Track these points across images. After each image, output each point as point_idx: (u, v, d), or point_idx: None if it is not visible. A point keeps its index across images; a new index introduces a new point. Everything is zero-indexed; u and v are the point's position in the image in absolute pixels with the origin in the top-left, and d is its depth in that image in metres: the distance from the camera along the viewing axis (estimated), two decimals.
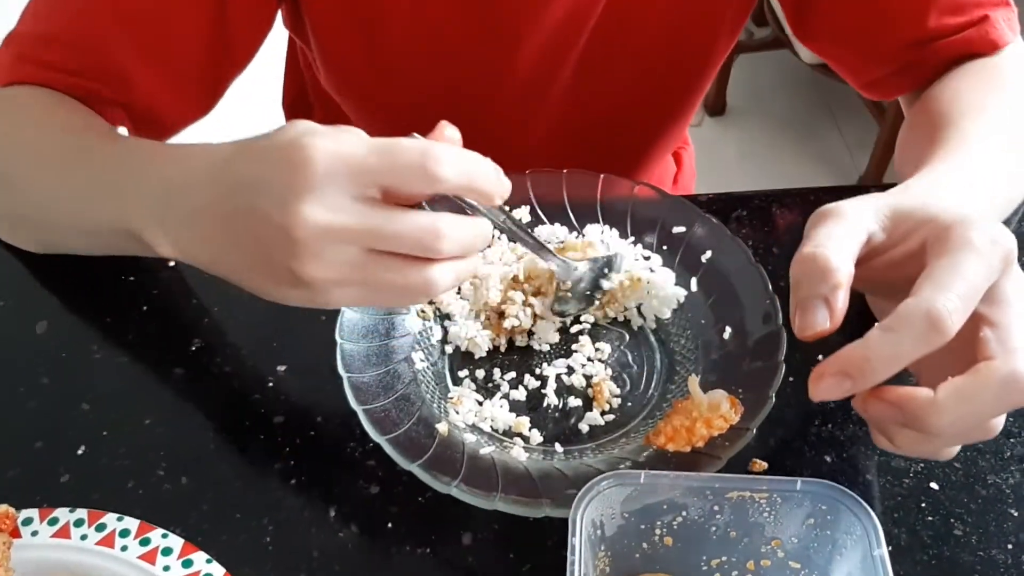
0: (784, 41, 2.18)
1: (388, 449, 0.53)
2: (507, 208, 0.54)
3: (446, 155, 0.45)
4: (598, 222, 0.66)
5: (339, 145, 0.45)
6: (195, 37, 0.68)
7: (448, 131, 0.50)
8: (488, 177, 0.48)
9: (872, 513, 0.45)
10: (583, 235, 0.66)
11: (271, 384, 0.61)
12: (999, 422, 0.45)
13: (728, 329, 0.60)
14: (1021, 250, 0.45)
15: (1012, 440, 0.58)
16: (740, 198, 0.73)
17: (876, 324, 0.42)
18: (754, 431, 0.53)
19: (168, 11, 0.67)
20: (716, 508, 0.48)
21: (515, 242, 0.62)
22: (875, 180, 2.15)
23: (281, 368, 0.62)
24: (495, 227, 0.52)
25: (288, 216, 0.44)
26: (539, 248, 0.58)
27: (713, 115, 2.40)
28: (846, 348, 0.43)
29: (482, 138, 0.80)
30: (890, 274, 0.47)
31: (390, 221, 0.45)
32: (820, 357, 0.60)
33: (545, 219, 0.67)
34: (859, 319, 0.49)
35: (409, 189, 0.46)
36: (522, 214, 0.67)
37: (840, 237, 0.46)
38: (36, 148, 0.64)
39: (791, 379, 0.58)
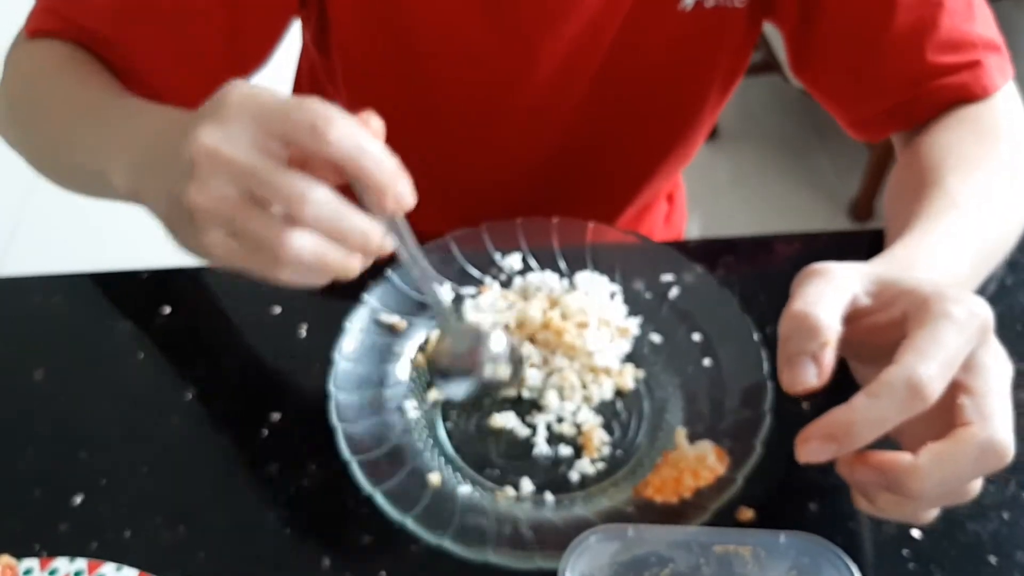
0: (774, 65, 2.21)
1: (381, 501, 0.54)
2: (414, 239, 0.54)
3: (341, 125, 0.46)
4: (587, 268, 0.68)
5: (256, 91, 0.47)
6: (211, 37, 0.72)
7: (373, 121, 0.50)
8: (379, 165, 0.47)
9: (852, 566, 0.47)
10: (573, 284, 0.67)
11: (265, 433, 0.62)
12: (976, 486, 0.46)
13: (714, 378, 0.62)
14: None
15: (991, 487, 0.59)
16: (727, 243, 0.75)
17: (861, 390, 0.44)
18: (740, 481, 0.54)
19: (184, 12, 0.71)
20: (703, 561, 0.49)
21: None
22: (865, 204, 2.18)
23: (275, 416, 0.63)
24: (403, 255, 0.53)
25: (188, 137, 0.47)
26: (423, 279, 0.56)
27: (705, 138, 2.42)
28: (832, 412, 0.44)
29: (493, 150, 0.81)
30: (872, 339, 0.48)
31: (271, 169, 0.46)
32: (805, 406, 0.62)
33: (536, 266, 0.68)
34: (843, 375, 0.50)
35: (299, 142, 0.46)
36: (514, 262, 0.68)
37: (829, 296, 0.47)
38: (50, 99, 0.70)
39: (778, 428, 0.59)
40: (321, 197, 0.46)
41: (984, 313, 0.45)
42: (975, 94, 0.72)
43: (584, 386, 0.63)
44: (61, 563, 0.53)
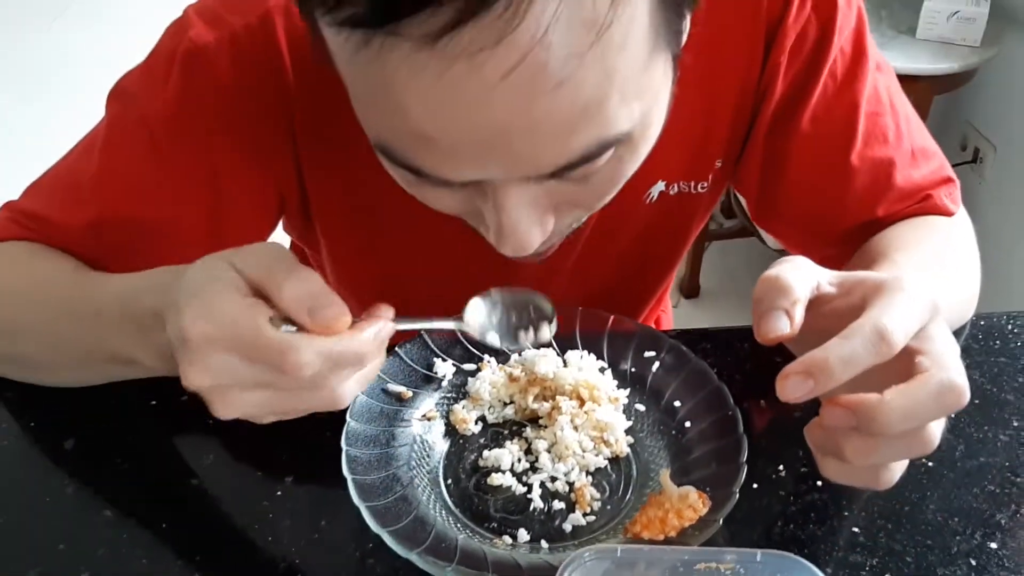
0: (751, 230, 2.35)
1: (388, 540, 0.58)
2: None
3: (292, 283, 0.49)
4: (577, 349, 0.74)
5: (213, 328, 0.48)
6: (193, 241, 0.72)
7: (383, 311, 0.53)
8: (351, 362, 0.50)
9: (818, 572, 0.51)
10: (566, 362, 0.73)
11: (279, 493, 0.67)
12: (935, 435, 0.51)
13: (695, 439, 0.67)
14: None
15: (958, 538, 0.64)
16: (704, 333, 0.81)
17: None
18: (720, 522, 0.59)
19: (157, 222, 0.72)
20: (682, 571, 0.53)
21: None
22: None
23: (288, 479, 0.68)
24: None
25: (180, 319, 0.48)
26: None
27: (688, 297, 2.53)
28: (808, 353, 0.49)
29: None
30: (832, 324, 0.52)
31: (256, 332, 0.48)
32: (781, 469, 0.67)
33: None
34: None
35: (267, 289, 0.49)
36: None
37: (798, 270, 0.53)
38: (25, 300, 0.71)
39: (754, 485, 0.65)
40: (309, 358, 0.48)
41: (934, 297, 0.52)
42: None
43: (583, 453, 0.68)
44: None
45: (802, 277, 0.53)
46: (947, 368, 0.50)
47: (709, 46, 0.69)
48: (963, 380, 0.50)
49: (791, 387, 0.49)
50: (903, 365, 0.50)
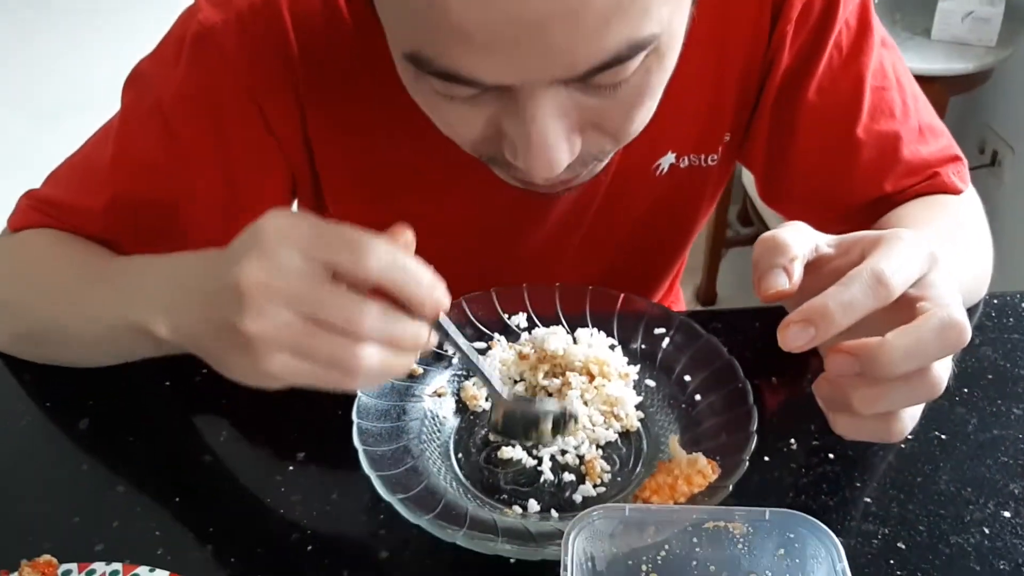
0: None
1: (399, 507, 0.58)
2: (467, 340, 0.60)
3: (378, 247, 0.50)
4: (588, 327, 0.74)
5: (293, 219, 0.51)
6: (203, 223, 0.75)
7: (405, 235, 0.53)
8: (419, 282, 0.51)
9: (832, 534, 0.51)
10: (576, 339, 0.73)
11: (291, 468, 0.67)
12: (942, 377, 0.51)
13: (705, 411, 0.67)
14: None
15: (971, 507, 0.63)
16: (714, 314, 0.81)
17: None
18: (731, 488, 0.59)
19: (171, 202, 0.75)
20: (695, 540, 0.53)
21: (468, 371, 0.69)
22: None
23: (300, 455, 0.68)
24: (451, 347, 0.58)
25: (236, 272, 0.49)
26: (480, 374, 0.62)
27: (705, 304, 2.52)
28: (808, 302, 0.50)
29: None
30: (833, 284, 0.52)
31: (324, 293, 0.49)
32: (792, 442, 0.67)
33: (539, 323, 0.75)
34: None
35: (341, 266, 0.50)
36: (519, 319, 0.75)
37: (795, 231, 0.54)
38: (44, 276, 0.73)
39: (765, 458, 0.66)
40: (375, 311, 0.50)
41: (932, 247, 0.52)
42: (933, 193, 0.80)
43: (593, 427, 0.68)
44: (98, 566, 0.57)
45: (799, 237, 0.54)
46: (947, 306, 0.50)
47: (717, 17, 0.71)
48: (964, 317, 0.51)
49: (792, 335, 0.49)
50: (906, 314, 0.50)
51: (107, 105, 0.77)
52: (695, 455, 0.60)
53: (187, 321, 0.56)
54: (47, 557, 0.57)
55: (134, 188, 0.73)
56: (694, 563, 0.53)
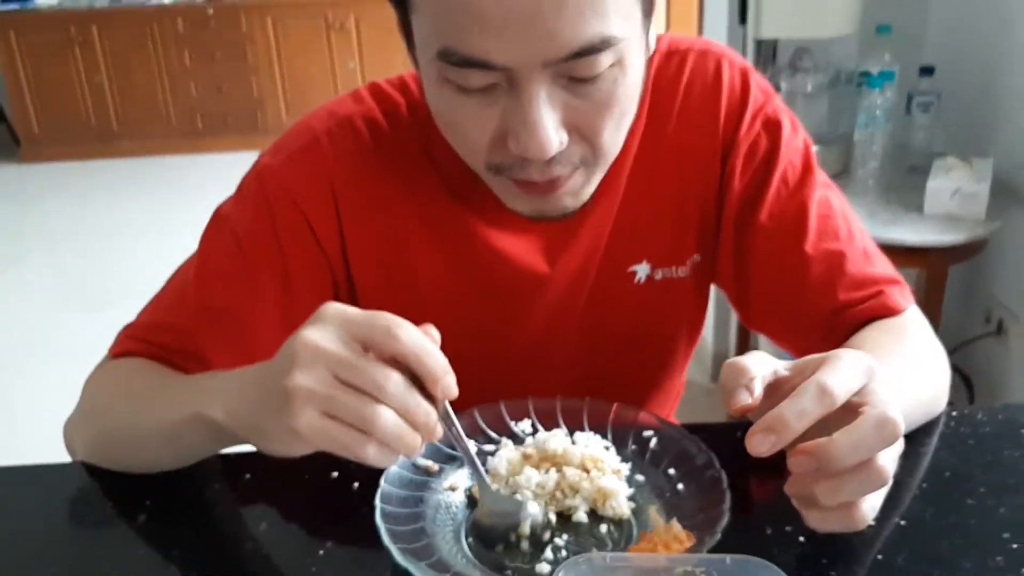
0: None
1: (413, 568, 0.67)
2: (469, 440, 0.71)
3: (408, 330, 0.62)
4: (584, 431, 0.84)
5: (345, 307, 0.64)
6: (267, 324, 0.90)
7: (433, 331, 0.65)
8: (435, 362, 0.62)
9: (784, 574, 0.59)
10: (574, 441, 0.83)
11: (321, 553, 0.76)
12: (887, 468, 0.61)
13: (685, 497, 0.76)
14: None
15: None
16: (697, 427, 0.91)
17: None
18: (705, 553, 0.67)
19: (243, 307, 0.90)
20: None
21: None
22: None
23: (329, 543, 0.77)
24: (452, 439, 0.69)
25: (298, 337, 0.62)
26: (474, 471, 0.73)
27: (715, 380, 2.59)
28: (768, 413, 0.61)
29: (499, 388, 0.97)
30: None
31: (358, 359, 0.61)
32: (768, 531, 0.75)
33: (542, 427, 0.85)
34: None
35: (377, 342, 0.62)
36: (524, 425, 0.85)
37: (753, 357, 0.65)
38: (127, 388, 0.87)
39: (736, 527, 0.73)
40: (396, 379, 0.61)
41: (871, 361, 0.63)
42: (885, 314, 0.91)
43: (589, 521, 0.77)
44: None
45: (758, 362, 0.65)
46: (884, 407, 0.61)
47: (679, 150, 0.90)
48: (897, 415, 0.61)
49: (757, 442, 0.60)
50: (852, 417, 0.61)
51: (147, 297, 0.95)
52: (672, 521, 0.68)
53: (240, 400, 0.69)
54: None
55: (213, 297, 0.89)
56: None
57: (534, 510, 0.74)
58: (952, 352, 0.97)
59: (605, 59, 0.71)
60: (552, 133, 0.72)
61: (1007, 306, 2.32)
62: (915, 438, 0.86)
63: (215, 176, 4.87)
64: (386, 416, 0.61)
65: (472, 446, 0.79)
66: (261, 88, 5.74)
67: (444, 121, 0.79)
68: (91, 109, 5.73)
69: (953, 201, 2.09)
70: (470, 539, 0.76)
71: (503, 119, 0.73)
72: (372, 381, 0.61)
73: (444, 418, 0.66)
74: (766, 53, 2.37)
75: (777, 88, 2.25)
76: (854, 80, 2.32)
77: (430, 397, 0.63)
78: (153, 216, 4.87)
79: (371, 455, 0.62)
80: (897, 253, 2.04)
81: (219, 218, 0.92)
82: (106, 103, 5.73)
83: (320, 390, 0.61)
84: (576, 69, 0.70)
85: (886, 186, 2.28)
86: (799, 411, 0.60)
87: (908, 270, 2.41)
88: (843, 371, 0.62)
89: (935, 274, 2.20)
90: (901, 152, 2.37)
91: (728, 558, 0.61)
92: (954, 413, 0.90)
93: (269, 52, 5.66)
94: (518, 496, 0.76)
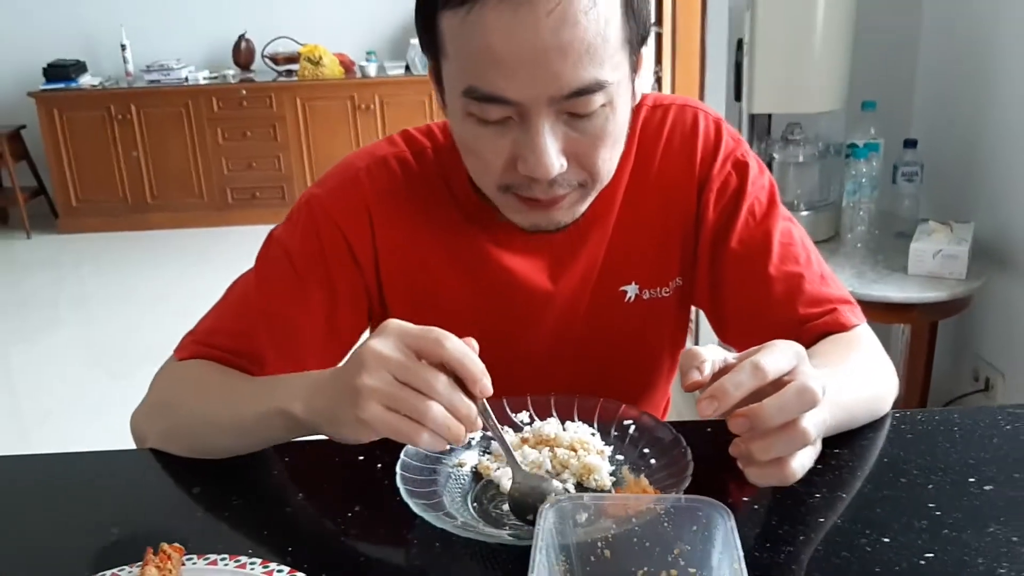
0: None
1: (424, 514, 0.81)
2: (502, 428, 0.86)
3: (454, 340, 0.77)
4: (574, 421, 0.99)
5: (403, 323, 0.79)
6: (313, 335, 1.07)
7: (473, 342, 0.79)
8: (475, 367, 0.77)
9: (727, 508, 0.72)
10: (565, 428, 0.97)
11: (350, 514, 0.90)
12: (810, 430, 0.75)
13: (656, 467, 0.90)
14: None
15: (863, 539, 0.83)
16: (675, 423, 1.05)
17: None
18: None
19: (296, 317, 1.06)
20: (634, 521, 0.75)
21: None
22: None
23: (357, 507, 0.91)
24: (490, 429, 0.83)
25: (367, 346, 0.78)
26: (508, 455, 0.86)
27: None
28: (712, 384, 0.75)
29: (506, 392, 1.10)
30: None
31: (412, 363, 0.76)
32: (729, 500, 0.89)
33: (537, 418, 1.00)
34: None
35: (427, 350, 0.76)
36: (523, 416, 1.00)
37: (707, 347, 0.80)
38: (200, 387, 1.02)
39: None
40: (444, 380, 0.76)
41: (800, 349, 0.78)
42: (838, 329, 1.06)
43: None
44: (211, 556, 0.80)
45: (710, 351, 0.80)
46: (804, 378, 0.76)
47: (662, 185, 1.07)
48: (816, 385, 0.75)
49: (704, 407, 0.75)
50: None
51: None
52: (640, 476, 0.82)
53: (318, 397, 0.84)
54: (176, 544, 0.79)
55: (272, 303, 1.05)
56: (634, 539, 0.75)
57: (557, 485, 0.88)
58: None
59: (598, 99, 0.87)
60: (554, 158, 0.88)
61: (993, 364, 2.44)
62: (862, 433, 0.99)
63: (243, 246, 5.07)
64: (436, 410, 0.75)
65: (509, 436, 0.94)
66: (289, 165, 5.99)
67: (466, 148, 0.94)
68: (127, 183, 5.99)
69: (935, 261, 2.23)
70: (474, 504, 0.90)
71: (514, 146, 0.89)
72: (424, 381, 0.75)
73: (482, 412, 0.80)
74: (760, 127, 2.56)
75: (771, 158, 2.43)
76: (842, 151, 2.50)
77: (471, 395, 0.78)
78: (183, 285, 5.08)
79: (425, 441, 0.76)
80: (883, 309, 2.19)
81: (272, 241, 1.08)
82: (141, 177, 5.99)
83: (383, 388, 0.75)
84: (574, 106, 0.87)
85: (874, 249, 2.43)
86: (736, 382, 0.74)
87: (895, 326, 2.55)
88: (775, 354, 0.77)
89: (919, 328, 2.34)
90: (889, 219, 2.53)
91: (683, 497, 0.75)
92: (897, 414, 1.04)
93: (298, 131, 5.93)
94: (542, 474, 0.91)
